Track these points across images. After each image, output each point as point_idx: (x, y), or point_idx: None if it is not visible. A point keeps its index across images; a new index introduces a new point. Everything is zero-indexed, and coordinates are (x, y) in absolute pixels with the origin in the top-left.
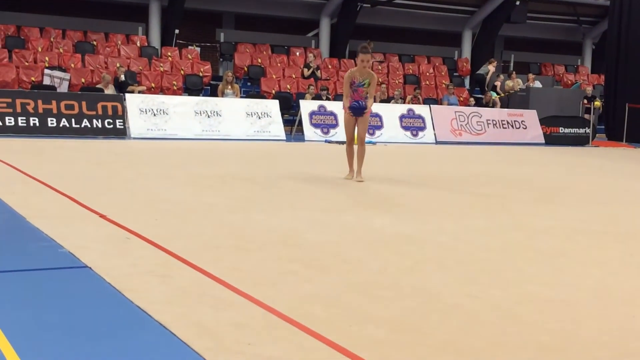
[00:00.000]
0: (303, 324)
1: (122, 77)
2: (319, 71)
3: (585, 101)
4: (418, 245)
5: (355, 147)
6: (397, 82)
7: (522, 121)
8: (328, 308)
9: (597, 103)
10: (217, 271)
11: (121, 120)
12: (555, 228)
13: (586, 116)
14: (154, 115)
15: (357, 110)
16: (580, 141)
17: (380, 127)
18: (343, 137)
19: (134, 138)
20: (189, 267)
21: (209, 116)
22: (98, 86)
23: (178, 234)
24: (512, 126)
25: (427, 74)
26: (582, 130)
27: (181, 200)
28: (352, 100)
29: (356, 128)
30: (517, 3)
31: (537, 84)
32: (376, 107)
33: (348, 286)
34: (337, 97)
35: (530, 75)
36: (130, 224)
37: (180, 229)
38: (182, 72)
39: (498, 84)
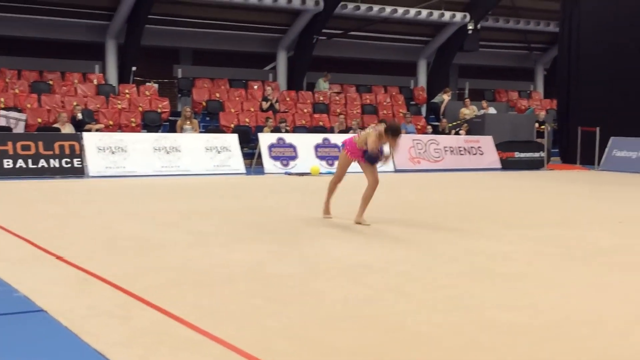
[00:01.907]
0: None
1: (79, 116)
2: (277, 104)
3: (538, 125)
4: (379, 275)
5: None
6: (355, 112)
7: (478, 147)
8: (290, 342)
9: (543, 127)
10: (177, 309)
11: (79, 159)
12: (515, 252)
13: (540, 140)
14: (112, 153)
15: (371, 159)
16: (535, 165)
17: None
18: (302, 169)
19: (93, 176)
20: (148, 306)
21: (168, 152)
22: (55, 125)
23: (138, 272)
24: (469, 152)
25: (385, 103)
26: (537, 154)
27: (141, 238)
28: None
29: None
30: (469, 32)
31: (492, 110)
32: (335, 138)
33: (311, 319)
34: (296, 129)
35: (485, 102)
36: (88, 265)
37: (140, 267)
38: (140, 109)
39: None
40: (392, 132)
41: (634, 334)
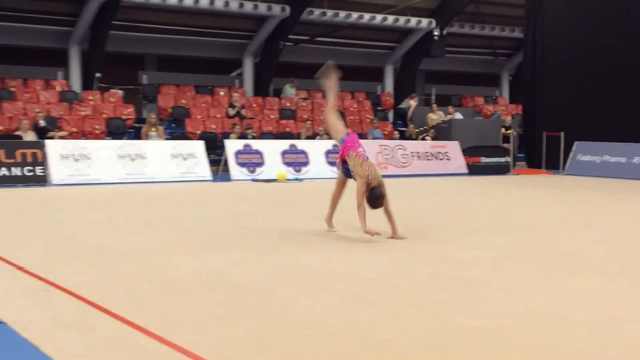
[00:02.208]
0: None
1: (42, 123)
2: (243, 110)
3: (504, 130)
4: (346, 282)
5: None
6: (321, 118)
7: (445, 152)
8: (254, 351)
9: (509, 131)
10: (140, 319)
11: (42, 167)
12: (480, 257)
13: (506, 145)
14: (76, 160)
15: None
16: (501, 170)
17: (306, 163)
18: (269, 175)
19: (56, 185)
20: (110, 316)
21: (133, 159)
22: (17, 133)
23: (100, 282)
24: (436, 158)
25: (352, 109)
26: (503, 159)
27: (104, 247)
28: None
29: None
30: (435, 38)
31: (458, 116)
32: (302, 144)
33: (275, 327)
34: (263, 136)
35: (451, 108)
36: (50, 275)
37: (102, 276)
38: (104, 115)
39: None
40: (371, 202)
41: (596, 339)
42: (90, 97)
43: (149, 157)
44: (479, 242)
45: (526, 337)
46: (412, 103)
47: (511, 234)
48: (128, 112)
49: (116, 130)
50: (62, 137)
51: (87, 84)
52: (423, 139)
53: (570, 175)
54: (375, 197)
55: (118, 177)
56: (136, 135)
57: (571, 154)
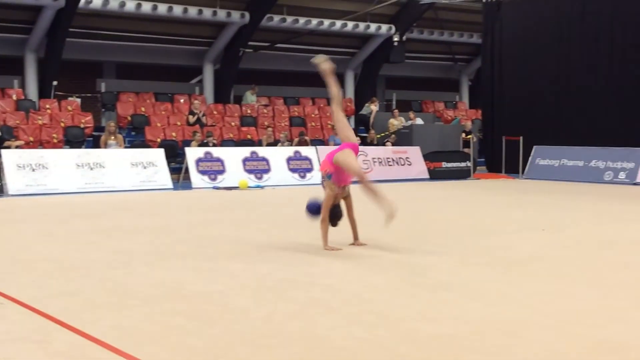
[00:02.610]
0: None
1: None
2: (204, 117)
3: (464, 135)
4: (305, 289)
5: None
6: (282, 124)
7: (406, 158)
8: None
9: (469, 136)
10: (97, 332)
11: None
12: (439, 263)
13: (466, 150)
14: (33, 170)
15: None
16: (462, 175)
17: (267, 170)
18: (230, 183)
19: (12, 195)
20: (67, 329)
21: (91, 168)
22: None
23: (57, 294)
24: (398, 163)
25: (313, 115)
26: (463, 164)
27: (60, 259)
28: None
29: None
30: (395, 44)
31: (419, 121)
32: (263, 151)
33: (234, 337)
34: (224, 143)
35: (412, 113)
36: (4, 288)
37: (59, 289)
38: (62, 124)
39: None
40: (332, 220)
41: (552, 342)
42: (47, 106)
43: (108, 166)
44: (439, 248)
45: (483, 342)
46: (372, 108)
47: (470, 238)
48: (86, 121)
49: (74, 139)
50: (18, 147)
51: (43, 93)
52: (384, 144)
53: (529, 179)
54: (336, 215)
55: (76, 187)
56: (95, 143)
57: (530, 158)
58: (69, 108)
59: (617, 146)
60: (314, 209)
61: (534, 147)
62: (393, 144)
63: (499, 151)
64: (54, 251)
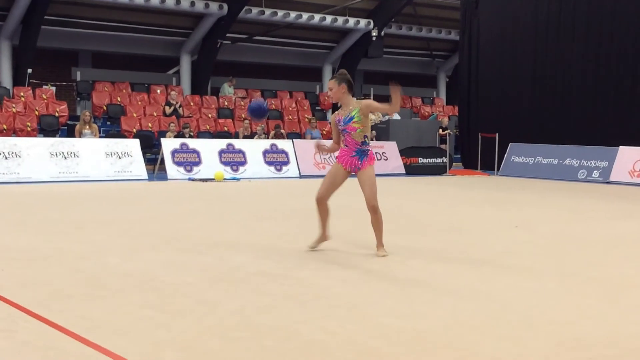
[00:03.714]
0: None
1: None
2: (181, 108)
3: (441, 131)
4: (277, 283)
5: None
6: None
7: (382, 152)
8: (181, 354)
9: (446, 131)
10: (65, 322)
11: None
12: (412, 258)
13: (442, 146)
14: (6, 158)
15: (252, 113)
16: (438, 170)
17: (243, 163)
18: (206, 175)
19: None
20: (35, 319)
21: (65, 157)
22: None
23: (25, 284)
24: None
25: (290, 108)
26: (439, 160)
27: (31, 248)
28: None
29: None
30: (374, 38)
31: (396, 116)
32: (239, 143)
33: (204, 329)
34: (200, 135)
35: None
36: None
37: (27, 278)
38: (36, 112)
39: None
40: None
41: (520, 338)
42: (21, 94)
43: (82, 155)
44: (412, 243)
45: (452, 338)
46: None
47: (443, 234)
48: (61, 109)
49: (48, 128)
50: None
51: (18, 80)
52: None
53: (505, 176)
54: None
55: (50, 176)
56: (69, 132)
57: (505, 155)
58: (44, 96)
59: (591, 145)
60: (256, 109)
61: (510, 144)
62: (372, 139)
63: (475, 148)
64: (23, 241)
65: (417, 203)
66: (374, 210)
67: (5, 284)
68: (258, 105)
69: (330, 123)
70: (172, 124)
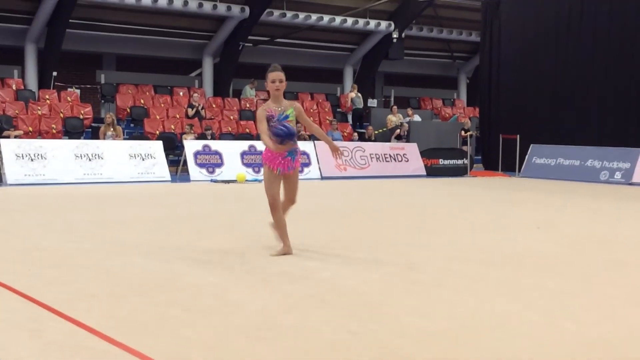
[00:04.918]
0: None
1: None
2: (203, 110)
3: (463, 132)
4: (300, 283)
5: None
6: None
7: (403, 154)
8: (207, 352)
9: (469, 133)
10: (91, 321)
11: None
12: (433, 258)
13: (464, 147)
14: (32, 160)
15: (286, 137)
16: (459, 172)
17: None
18: (228, 176)
19: (10, 184)
20: (62, 318)
21: (90, 159)
22: None
23: (52, 283)
24: (395, 159)
25: (311, 110)
26: (460, 161)
27: (57, 248)
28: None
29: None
30: (394, 40)
31: (417, 118)
32: (261, 145)
33: (228, 329)
34: (222, 136)
35: (410, 110)
36: (1, 276)
37: (54, 278)
38: (61, 115)
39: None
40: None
41: (543, 339)
42: (46, 96)
43: (106, 157)
44: (434, 243)
45: (475, 337)
46: (351, 95)
47: (465, 234)
48: (85, 112)
49: (73, 130)
50: (17, 137)
51: (43, 83)
52: (398, 135)
53: (526, 177)
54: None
55: (75, 177)
56: (94, 135)
57: (527, 157)
58: (69, 99)
59: (613, 146)
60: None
61: (531, 145)
62: (402, 136)
63: (496, 149)
64: (50, 241)
65: (438, 204)
66: (293, 203)
67: (32, 283)
68: (283, 132)
69: (257, 115)
70: (191, 126)
